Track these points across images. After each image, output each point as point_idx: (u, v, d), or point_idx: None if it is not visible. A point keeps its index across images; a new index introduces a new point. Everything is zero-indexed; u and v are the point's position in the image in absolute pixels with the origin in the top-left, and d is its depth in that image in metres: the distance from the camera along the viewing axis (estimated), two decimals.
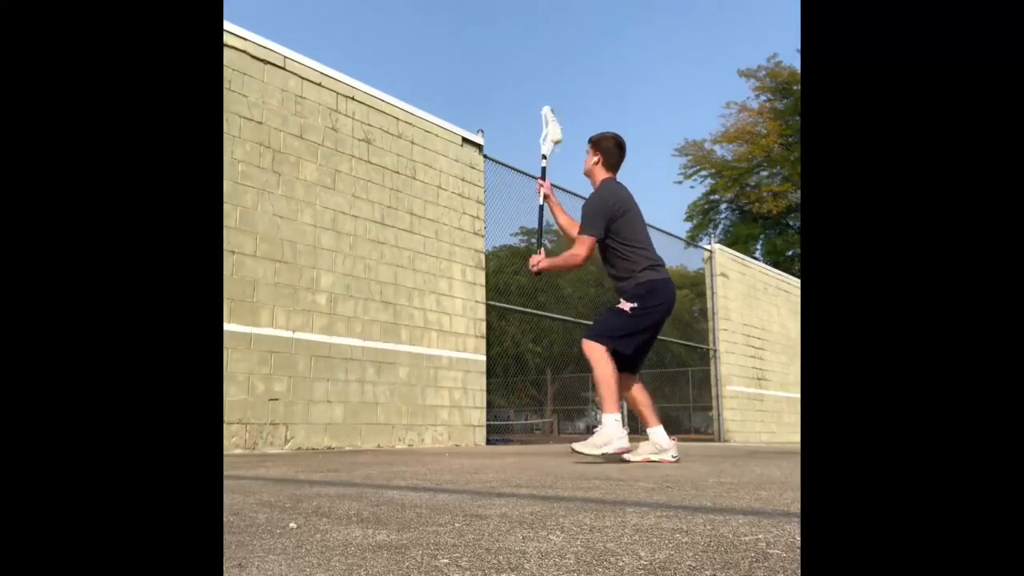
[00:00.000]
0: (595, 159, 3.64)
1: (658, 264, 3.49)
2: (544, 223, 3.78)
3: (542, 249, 3.71)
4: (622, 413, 3.51)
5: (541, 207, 3.77)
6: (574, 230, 3.59)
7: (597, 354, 3.35)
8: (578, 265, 3.54)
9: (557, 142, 3.86)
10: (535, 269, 3.64)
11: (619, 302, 3.43)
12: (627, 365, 3.54)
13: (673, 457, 3.41)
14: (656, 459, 3.40)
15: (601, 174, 3.63)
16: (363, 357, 5.36)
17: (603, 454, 3.32)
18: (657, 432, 3.45)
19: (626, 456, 3.49)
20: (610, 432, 3.30)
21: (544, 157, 3.84)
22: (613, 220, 3.46)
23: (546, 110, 3.87)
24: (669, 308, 3.51)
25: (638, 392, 3.56)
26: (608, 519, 1.39)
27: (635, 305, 3.39)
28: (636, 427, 11.15)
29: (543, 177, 3.82)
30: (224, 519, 1.42)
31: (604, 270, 3.65)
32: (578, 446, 3.40)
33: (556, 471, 2.77)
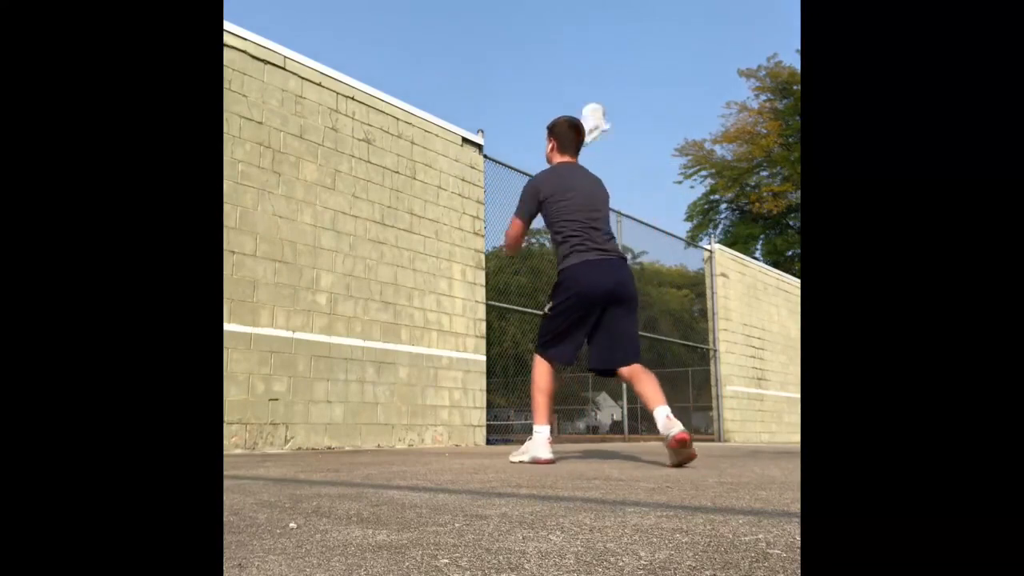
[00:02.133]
0: (550, 144, 3.59)
1: (583, 249, 3.28)
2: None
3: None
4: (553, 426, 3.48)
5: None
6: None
7: (536, 366, 3.38)
8: (507, 244, 3.55)
9: (602, 130, 3.74)
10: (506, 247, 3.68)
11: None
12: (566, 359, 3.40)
13: (531, 459, 3.23)
14: (527, 459, 3.26)
15: (556, 158, 3.56)
16: (363, 357, 5.36)
17: (520, 462, 3.26)
18: (660, 412, 3.15)
19: (514, 457, 3.36)
20: (533, 442, 3.28)
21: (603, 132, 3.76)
22: (542, 204, 3.39)
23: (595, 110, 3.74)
24: (593, 292, 3.23)
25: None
26: (608, 519, 1.39)
27: (550, 304, 3.35)
28: (636, 428, 11.08)
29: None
30: (224, 519, 1.42)
31: None
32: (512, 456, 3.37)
33: (556, 471, 2.77)
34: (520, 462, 3.27)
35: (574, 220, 3.33)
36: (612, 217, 7.89)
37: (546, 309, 3.38)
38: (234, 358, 4.53)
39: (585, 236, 3.31)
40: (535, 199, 3.41)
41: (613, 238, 3.43)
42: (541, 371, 3.36)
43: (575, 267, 3.28)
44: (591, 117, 3.73)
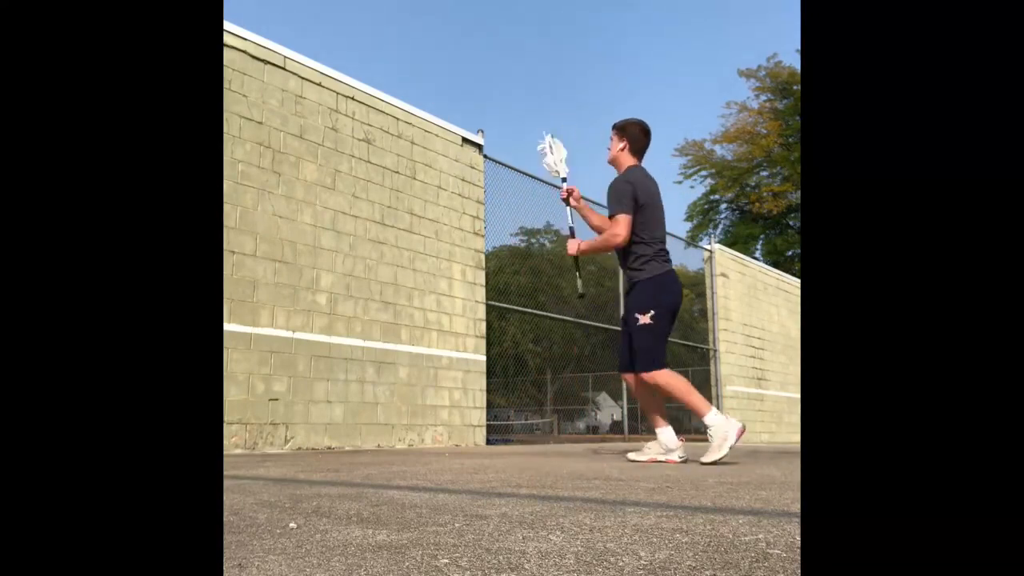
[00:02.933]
0: (621, 145, 3.65)
1: (663, 259, 3.52)
2: (571, 220, 3.89)
3: (576, 237, 3.80)
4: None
5: (567, 203, 3.88)
6: (607, 225, 3.64)
7: (663, 380, 3.38)
8: (619, 244, 3.52)
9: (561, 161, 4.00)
10: (574, 251, 3.73)
11: (636, 318, 3.45)
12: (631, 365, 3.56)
13: (680, 458, 3.41)
14: (662, 459, 3.42)
15: (628, 160, 3.64)
16: (363, 357, 5.36)
17: (665, 460, 3.41)
18: (665, 433, 3.47)
19: (631, 456, 3.52)
20: (725, 428, 3.29)
21: (564, 180, 3.98)
22: (637, 204, 3.49)
23: (548, 138, 4.01)
24: (679, 301, 3.55)
25: (646, 391, 3.57)
26: (608, 519, 1.39)
27: (652, 312, 3.43)
28: (636, 427, 11.07)
29: (565, 183, 3.95)
30: (224, 519, 1.42)
31: (619, 263, 3.75)
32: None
33: (556, 471, 2.77)
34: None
35: (657, 229, 3.53)
36: None
37: (648, 318, 3.42)
38: (234, 358, 4.53)
39: (662, 247, 3.54)
40: (634, 199, 3.49)
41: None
42: (668, 378, 3.38)
43: (663, 276, 3.47)
44: (552, 152, 3.99)
